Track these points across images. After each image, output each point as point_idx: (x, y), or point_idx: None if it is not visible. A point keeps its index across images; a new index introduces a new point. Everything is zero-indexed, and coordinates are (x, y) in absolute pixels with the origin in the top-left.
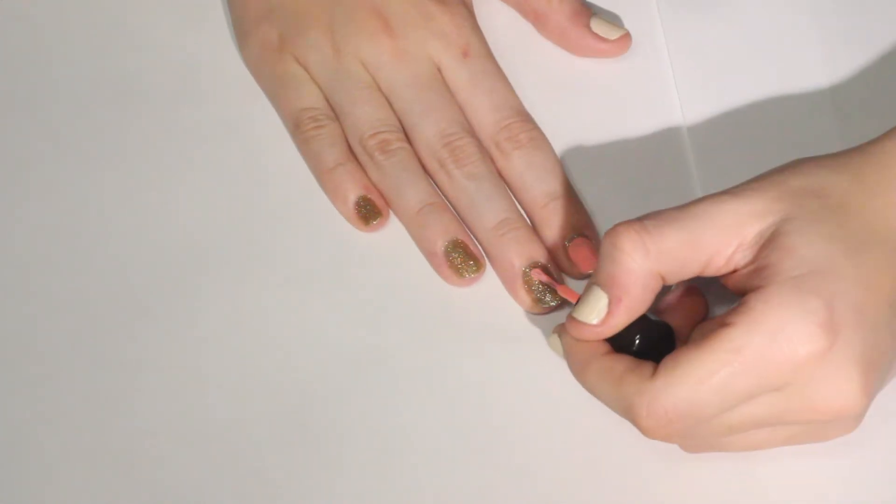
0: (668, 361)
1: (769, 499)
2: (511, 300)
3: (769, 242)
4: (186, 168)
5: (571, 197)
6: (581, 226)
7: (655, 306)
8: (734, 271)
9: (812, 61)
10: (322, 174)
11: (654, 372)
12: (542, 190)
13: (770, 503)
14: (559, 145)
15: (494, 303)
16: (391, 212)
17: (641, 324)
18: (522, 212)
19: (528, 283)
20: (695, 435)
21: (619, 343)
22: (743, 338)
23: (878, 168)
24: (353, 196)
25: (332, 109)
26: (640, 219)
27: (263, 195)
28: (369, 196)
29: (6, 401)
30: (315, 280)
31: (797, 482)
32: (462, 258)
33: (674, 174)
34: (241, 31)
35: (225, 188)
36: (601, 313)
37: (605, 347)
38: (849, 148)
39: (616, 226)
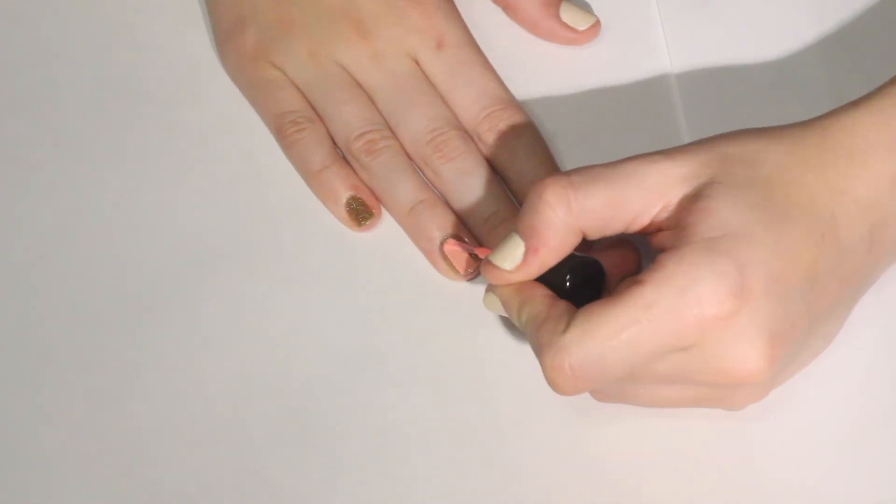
0: (579, 316)
1: (769, 499)
2: None
3: (690, 204)
4: (186, 168)
5: None
6: None
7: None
8: (659, 230)
9: (812, 61)
10: (310, 177)
11: (567, 325)
12: (526, 182)
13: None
14: (558, 145)
15: None
16: (384, 211)
17: (570, 262)
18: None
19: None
20: (605, 388)
21: (551, 283)
22: (652, 295)
23: (817, 144)
24: (343, 197)
25: (315, 112)
26: (569, 173)
27: (263, 195)
28: (360, 196)
29: (6, 401)
30: (315, 280)
31: (797, 482)
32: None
33: None
34: (218, 39)
35: (225, 188)
36: (516, 260)
37: (541, 290)
38: (794, 122)
39: (545, 178)
